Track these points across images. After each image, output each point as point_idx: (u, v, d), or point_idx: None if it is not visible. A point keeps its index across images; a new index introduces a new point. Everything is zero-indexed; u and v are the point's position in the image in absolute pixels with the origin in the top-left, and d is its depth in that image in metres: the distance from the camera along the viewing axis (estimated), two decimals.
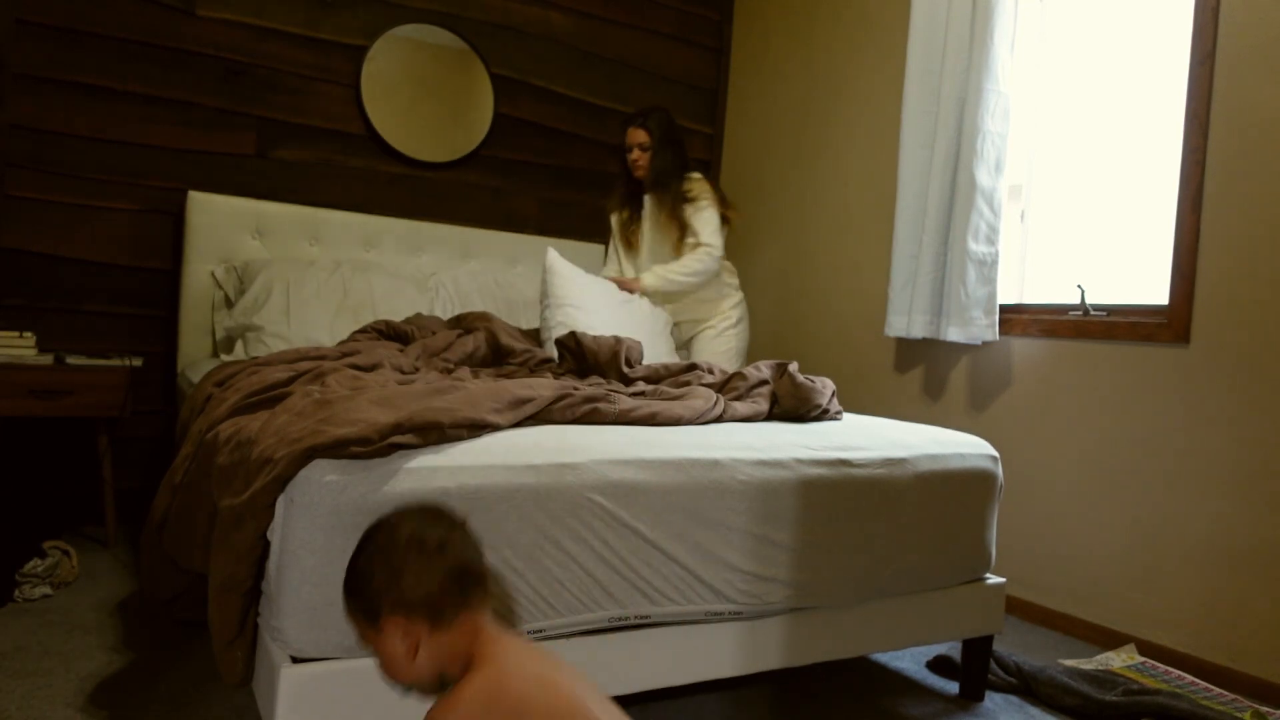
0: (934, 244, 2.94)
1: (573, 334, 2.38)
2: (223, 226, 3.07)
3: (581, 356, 2.34)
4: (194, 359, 2.99)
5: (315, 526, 1.27)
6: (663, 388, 2.05)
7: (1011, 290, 3.05)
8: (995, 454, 2.03)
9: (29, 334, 2.63)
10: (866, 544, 1.78)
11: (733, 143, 4.25)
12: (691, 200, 3.10)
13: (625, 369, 2.25)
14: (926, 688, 2.11)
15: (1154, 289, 2.57)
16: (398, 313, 2.99)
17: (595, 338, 2.34)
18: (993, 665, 2.16)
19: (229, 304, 3.01)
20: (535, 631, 1.43)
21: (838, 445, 1.80)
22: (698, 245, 3.07)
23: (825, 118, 3.70)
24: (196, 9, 3.11)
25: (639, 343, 2.39)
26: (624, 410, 1.73)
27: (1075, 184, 2.96)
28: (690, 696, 1.92)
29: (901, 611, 1.88)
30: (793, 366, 2.14)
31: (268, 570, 1.35)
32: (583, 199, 3.96)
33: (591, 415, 1.69)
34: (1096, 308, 2.68)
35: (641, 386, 2.07)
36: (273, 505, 1.32)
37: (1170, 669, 2.29)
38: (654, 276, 3.06)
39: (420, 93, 3.52)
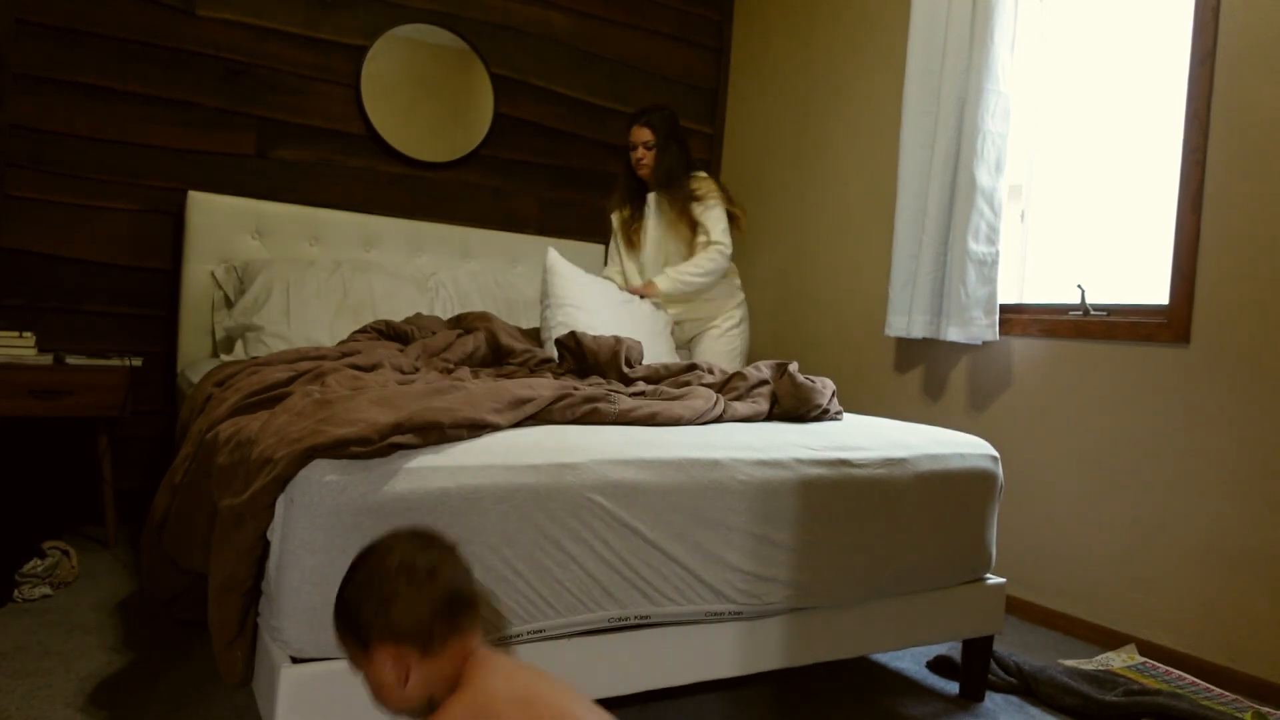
0: (934, 244, 2.94)
1: (573, 334, 2.38)
2: (223, 226, 3.07)
3: (581, 356, 2.34)
4: (194, 359, 2.99)
5: (315, 526, 1.27)
6: (663, 388, 2.05)
7: (1011, 290, 3.05)
8: (995, 454, 2.03)
9: (29, 334, 2.63)
10: (866, 544, 1.78)
11: (733, 143, 4.25)
12: (699, 198, 3.10)
13: (625, 369, 2.25)
14: (926, 688, 2.11)
15: (1154, 289, 2.57)
16: (398, 313, 2.99)
17: (595, 338, 2.34)
18: (993, 665, 2.16)
19: (229, 304, 3.01)
20: (535, 631, 1.43)
21: (838, 445, 1.80)
22: (709, 244, 3.07)
23: (825, 118, 3.70)
24: (196, 9, 3.11)
25: (639, 343, 2.39)
26: (624, 410, 1.73)
27: (1075, 184, 2.96)
28: (690, 696, 1.92)
29: (901, 611, 1.88)
30: (793, 366, 2.14)
31: (268, 570, 1.35)
32: (583, 199, 3.96)
33: (591, 415, 1.69)
34: (1097, 308, 2.68)
35: (641, 386, 2.07)
36: (273, 505, 1.32)
37: (1170, 669, 2.29)
38: (668, 280, 3.05)
39: (420, 93, 3.52)
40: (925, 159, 3.00)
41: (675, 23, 4.15)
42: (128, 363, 2.68)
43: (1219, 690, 2.17)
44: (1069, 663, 2.29)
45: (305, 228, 3.23)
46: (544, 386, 1.68)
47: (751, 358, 3.57)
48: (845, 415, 2.22)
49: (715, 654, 1.63)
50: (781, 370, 2.14)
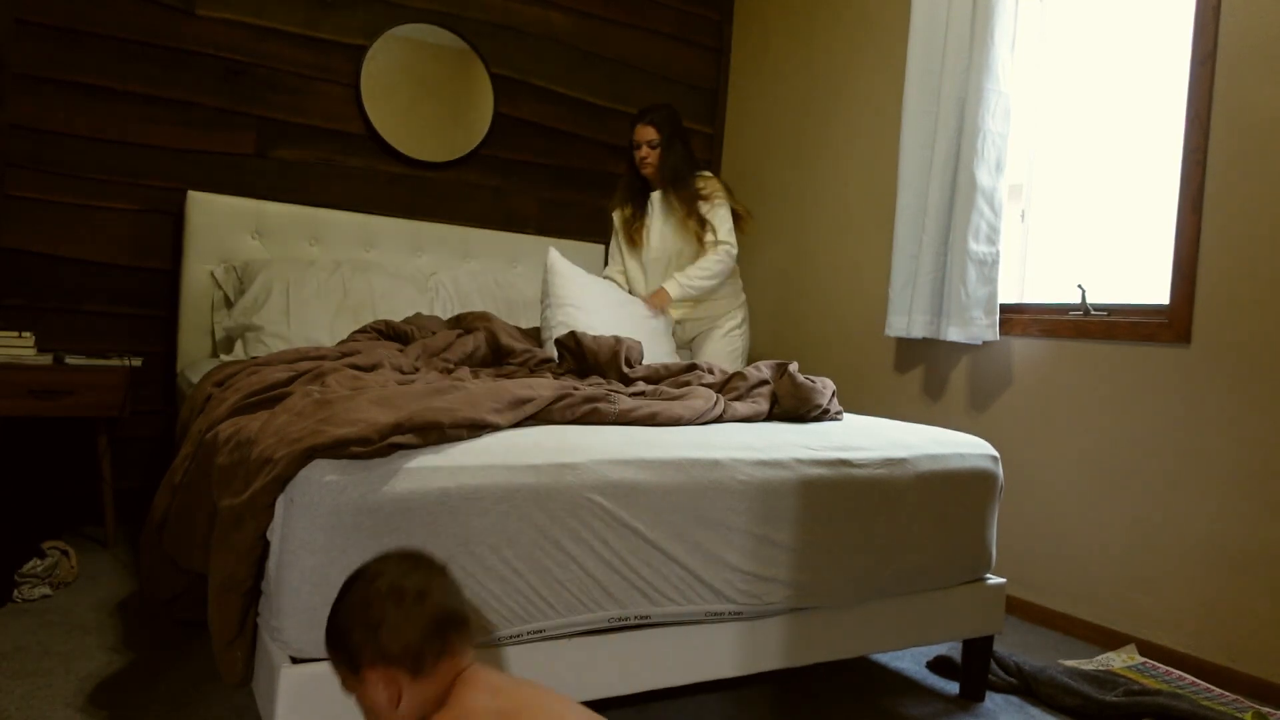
0: (934, 244, 2.94)
1: (572, 334, 2.37)
2: (222, 226, 3.07)
3: (581, 356, 2.34)
4: (194, 359, 2.99)
5: (315, 526, 1.27)
6: (663, 388, 2.05)
7: (1012, 290, 3.05)
8: (995, 454, 2.03)
9: (28, 334, 2.63)
10: (866, 544, 1.78)
11: (733, 143, 4.25)
12: (706, 197, 3.10)
13: (625, 369, 2.24)
14: (926, 688, 2.11)
15: (1154, 289, 2.57)
16: (398, 313, 2.99)
17: (595, 338, 2.34)
18: (993, 665, 2.16)
19: (229, 304, 3.01)
20: (535, 631, 1.43)
21: (838, 445, 1.80)
22: (717, 244, 3.07)
23: (825, 118, 3.70)
24: (196, 9, 3.11)
25: (639, 343, 2.39)
26: (624, 410, 1.73)
27: (1075, 184, 2.96)
28: (690, 696, 1.91)
29: (902, 611, 1.88)
30: (793, 366, 2.14)
31: (268, 570, 1.35)
32: (583, 199, 3.96)
33: (591, 415, 1.69)
34: (1097, 307, 2.68)
35: (641, 387, 2.07)
36: (272, 505, 1.32)
37: (1171, 669, 2.29)
38: (677, 286, 3.04)
39: (420, 92, 3.52)
40: (925, 159, 3.00)
41: (675, 23, 4.15)
42: (127, 363, 2.68)
43: (1219, 690, 2.17)
44: (1069, 663, 2.29)
45: (305, 228, 3.23)
46: (544, 386, 1.68)
47: (752, 358, 3.57)
48: (845, 415, 2.22)
49: (715, 654, 1.63)
50: (781, 370, 2.14)
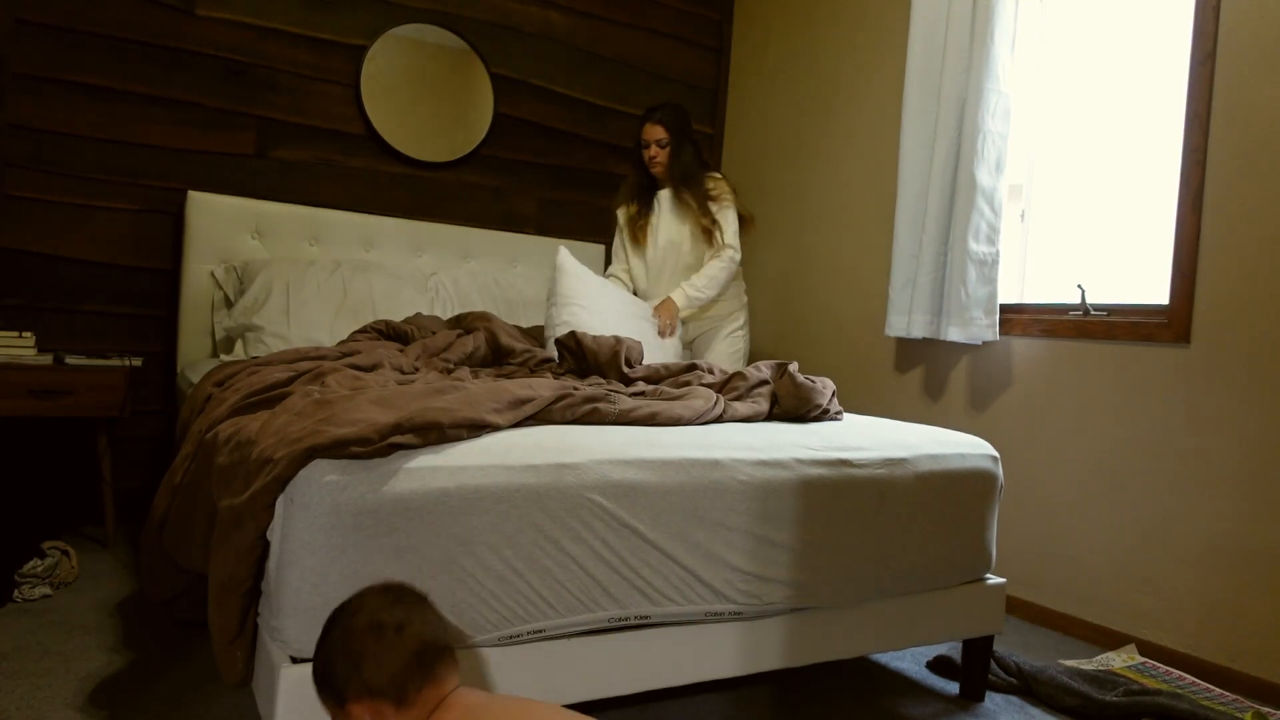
0: (934, 244, 2.94)
1: (573, 334, 2.37)
2: (222, 226, 3.07)
3: (581, 356, 2.34)
4: (194, 359, 2.99)
5: (315, 526, 1.27)
6: (663, 388, 2.05)
7: (1012, 290, 3.05)
8: (995, 454, 2.03)
9: (28, 334, 2.63)
10: (866, 544, 1.78)
11: (733, 143, 4.25)
12: (714, 198, 3.10)
13: (625, 369, 2.24)
14: (926, 688, 2.11)
15: (1154, 289, 2.57)
16: (398, 313, 2.99)
17: (595, 338, 2.34)
18: (993, 665, 2.16)
19: (229, 304, 3.01)
20: (535, 631, 1.43)
21: (838, 445, 1.80)
22: (723, 247, 3.07)
23: (825, 118, 3.70)
24: (196, 9, 3.11)
25: (639, 343, 2.38)
26: (624, 410, 1.73)
27: (1075, 184, 2.96)
28: (690, 696, 1.92)
29: (901, 612, 1.88)
30: (793, 366, 2.14)
31: (268, 570, 1.35)
32: (583, 199, 3.96)
33: (591, 415, 1.69)
34: (1097, 307, 2.68)
35: (641, 387, 2.07)
36: (272, 505, 1.32)
37: (1171, 669, 2.29)
38: (684, 297, 3.05)
39: (420, 93, 3.52)
40: (925, 159, 3.00)
41: (675, 23, 4.15)
42: (127, 363, 2.68)
43: (1219, 690, 2.17)
44: (1069, 663, 2.29)
45: (305, 228, 3.23)
46: (544, 386, 1.68)
47: (752, 358, 3.57)
48: (845, 415, 2.22)
49: (715, 654, 1.63)
50: (781, 370, 2.14)
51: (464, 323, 2.71)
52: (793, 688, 2.02)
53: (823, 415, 2.08)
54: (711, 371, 2.24)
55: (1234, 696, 2.13)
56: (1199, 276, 2.38)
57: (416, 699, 1.12)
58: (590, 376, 2.27)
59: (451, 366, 2.28)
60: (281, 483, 1.30)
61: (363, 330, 2.62)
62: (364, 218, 3.35)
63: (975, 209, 2.81)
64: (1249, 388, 2.26)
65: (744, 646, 1.66)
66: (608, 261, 3.61)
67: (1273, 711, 2.02)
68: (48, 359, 2.59)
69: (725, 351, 3.21)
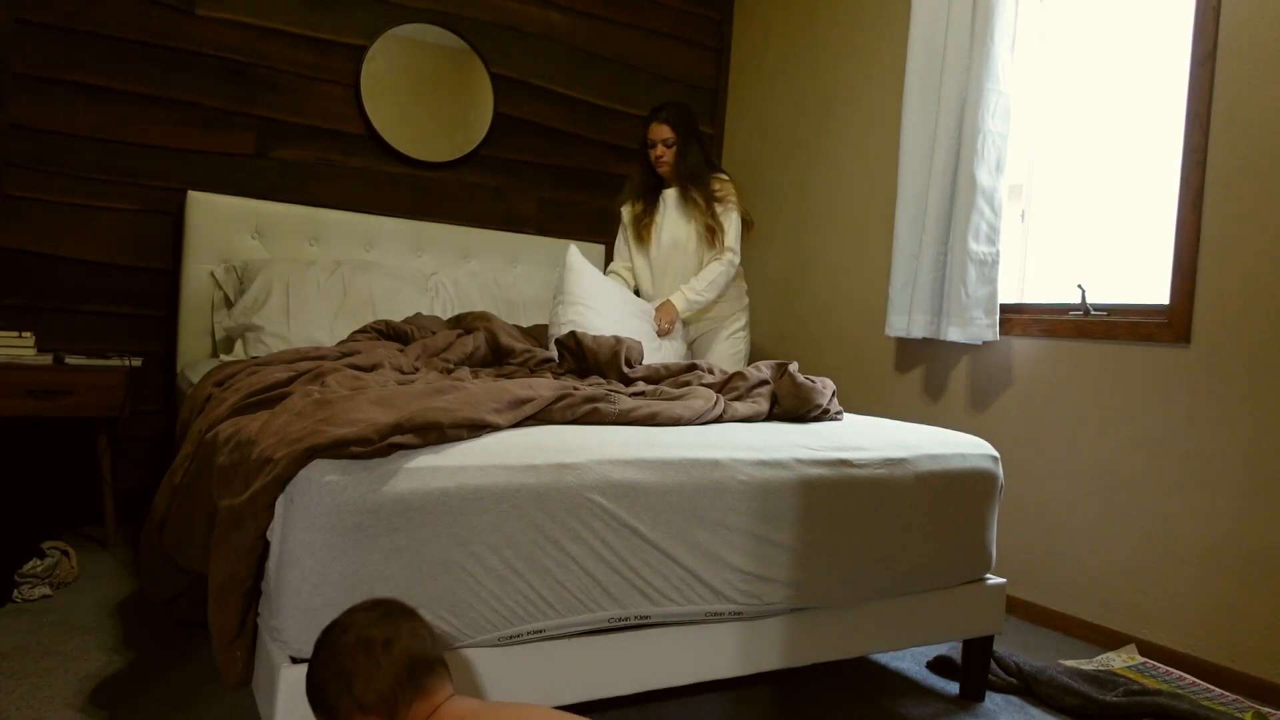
0: (934, 244, 2.94)
1: (573, 334, 2.37)
2: (222, 226, 3.07)
3: (581, 356, 2.33)
4: (194, 359, 2.99)
5: (315, 526, 1.27)
6: (663, 388, 2.05)
7: (1012, 290, 3.05)
8: (996, 454, 2.03)
9: (28, 334, 2.63)
10: (866, 544, 1.78)
11: (733, 143, 4.25)
12: (720, 199, 3.11)
13: (625, 369, 2.24)
14: (926, 688, 2.11)
15: (1155, 289, 2.57)
16: (398, 313, 2.99)
17: (595, 338, 2.34)
18: (993, 665, 2.16)
19: (229, 304, 3.01)
20: (535, 631, 1.43)
21: (838, 445, 1.79)
22: (723, 249, 3.07)
23: (825, 118, 3.70)
24: (196, 9, 3.11)
25: (639, 343, 2.39)
26: (624, 410, 1.73)
27: (1075, 184, 2.96)
28: (690, 696, 1.91)
29: (901, 612, 1.88)
30: (793, 366, 2.14)
31: (267, 570, 1.35)
32: (583, 199, 3.96)
33: (591, 415, 1.69)
34: (1097, 307, 2.68)
35: (641, 387, 2.07)
36: (272, 505, 1.32)
37: (1171, 669, 2.29)
38: (684, 300, 3.05)
39: (420, 93, 3.52)
40: (925, 159, 3.00)
41: (675, 23, 4.15)
42: (127, 363, 2.68)
43: (1219, 690, 2.17)
44: (1069, 663, 2.29)
45: (305, 228, 3.23)
46: (544, 386, 1.68)
47: (752, 358, 3.57)
48: (845, 415, 2.22)
49: (715, 654, 1.63)
50: (781, 370, 2.14)
51: (464, 323, 2.71)
52: (793, 688, 2.02)
53: (823, 415, 2.08)
54: (711, 371, 2.24)
55: (1234, 696, 2.13)
56: (1199, 276, 2.38)
57: (408, 713, 1.13)
58: (590, 376, 2.27)
59: (451, 366, 2.28)
60: (281, 483, 1.30)
61: (363, 330, 2.62)
62: (364, 218, 3.35)
63: (975, 209, 2.81)
64: (1249, 388, 2.26)
65: (744, 646, 1.66)
66: (608, 261, 3.61)
67: (1273, 711, 2.02)
68: (48, 359, 2.59)
69: (726, 352, 3.21)
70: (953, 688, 2.11)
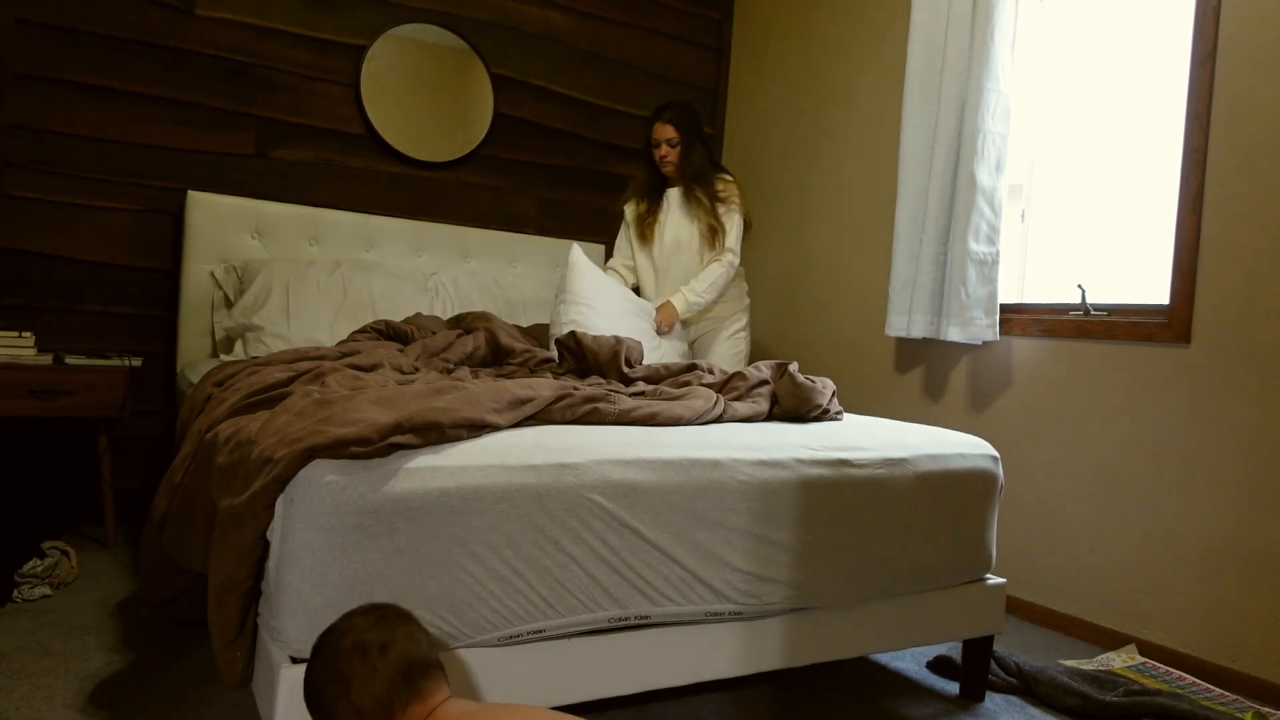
0: (934, 244, 2.94)
1: (573, 334, 2.37)
2: (222, 226, 3.07)
3: (581, 356, 2.33)
4: (194, 359, 2.99)
5: (315, 527, 1.27)
6: (663, 388, 2.05)
7: (1012, 290, 3.05)
8: (996, 454, 2.03)
9: (28, 334, 2.63)
10: (866, 544, 1.78)
11: (733, 143, 4.25)
12: (723, 200, 3.11)
13: (625, 369, 2.24)
14: (926, 688, 2.11)
15: (1155, 289, 2.57)
16: (398, 313, 2.99)
17: (595, 338, 2.34)
18: (993, 666, 2.16)
19: (229, 304, 3.01)
20: (535, 631, 1.43)
21: (838, 445, 1.79)
22: (723, 250, 3.07)
23: (825, 118, 3.70)
24: (196, 8, 3.11)
25: (639, 343, 2.39)
26: (624, 410, 1.73)
27: (1075, 184, 2.96)
28: (690, 696, 1.91)
29: (901, 612, 1.88)
30: (793, 366, 2.14)
31: (267, 570, 1.35)
32: (583, 199, 3.96)
33: (592, 415, 1.69)
34: (1097, 307, 2.68)
35: (641, 387, 2.07)
36: (272, 505, 1.31)
37: (1171, 669, 2.29)
38: (684, 301, 3.05)
39: (420, 92, 3.52)
40: (925, 159, 3.00)
41: (675, 23, 4.15)
42: (127, 363, 2.68)
43: (1219, 690, 2.17)
44: (1069, 663, 2.29)
45: (305, 228, 3.23)
46: (544, 386, 1.68)
47: (752, 358, 3.57)
48: (845, 415, 2.22)
49: (715, 654, 1.63)
50: (781, 370, 2.14)
51: (464, 323, 2.71)
52: (793, 688, 2.02)
53: (823, 415, 2.08)
54: (711, 371, 2.24)
55: (1234, 696, 2.13)
56: (1199, 276, 2.38)
57: (404, 717, 1.14)
58: (590, 376, 2.27)
59: (451, 366, 2.28)
60: (281, 483, 1.30)
61: (363, 330, 2.62)
62: (364, 218, 3.35)
63: (975, 209, 2.81)
64: (1249, 388, 2.26)
65: (744, 646, 1.66)
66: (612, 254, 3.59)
67: (1273, 712, 2.02)
68: (47, 359, 2.59)
69: (727, 352, 3.21)
70: (953, 688, 2.11)
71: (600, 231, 3.92)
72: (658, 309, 3.04)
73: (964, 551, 1.96)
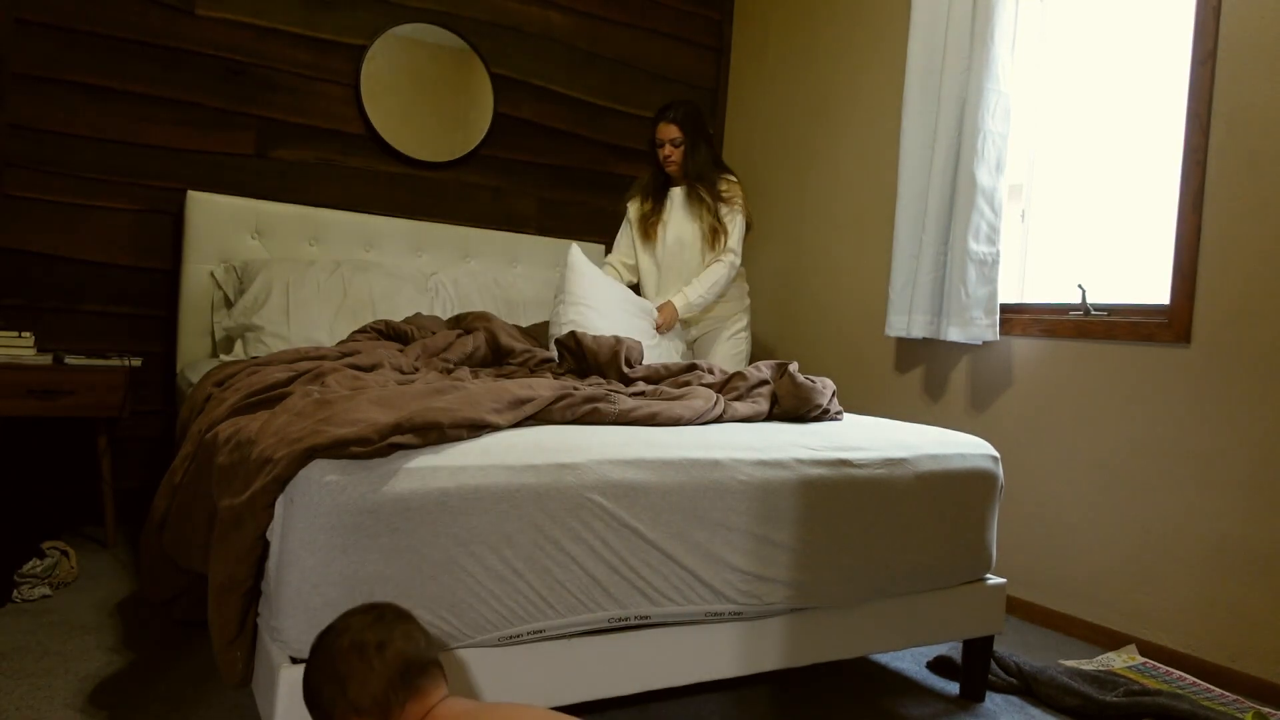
0: (934, 244, 2.94)
1: (573, 334, 2.37)
2: (222, 226, 3.07)
3: (581, 356, 2.33)
4: (193, 359, 2.98)
5: (315, 526, 1.27)
6: (663, 388, 2.05)
7: (1012, 290, 3.05)
8: (996, 454, 2.03)
9: (28, 334, 2.63)
10: (867, 544, 1.78)
11: (733, 143, 4.25)
12: (726, 200, 3.11)
13: (625, 369, 2.24)
14: (927, 688, 2.11)
15: (1155, 289, 2.57)
16: (397, 313, 2.99)
17: (595, 338, 2.34)
18: (993, 666, 2.16)
19: (228, 304, 3.01)
20: (535, 631, 1.43)
21: (838, 445, 1.79)
22: (724, 251, 3.07)
23: (825, 117, 3.70)
24: (196, 8, 3.11)
25: (639, 343, 2.39)
26: (624, 410, 1.73)
27: (1075, 184, 2.96)
28: (690, 696, 1.91)
29: (902, 612, 1.88)
30: (793, 366, 2.14)
31: (267, 570, 1.35)
32: (583, 199, 3.96)
33: (592, 415, 1.69)
34: (1097, 307, 2.68)
35: (641, 387, 2.07)
36: (272, 505, 1.31)
37: (1171, 669, 2.29)
38: (685, 301, 3.06)
39: (420, 92, 3.52)
40: (925, 159, 3.00)
41: (675, 23, 4.15)
42: (127, 363, 2.68)
43: (1219, 690, 2.17)
44: (1069, 663, 2.29)
45: (305, 228, 3.23)
46: (544, 386, 1.68)
47: (753, 358, 3.57)
48: (845, 415, 2.22)
49: (715, 654, 1.63)
50: (781, 370, 2.14)
51: (464, 323, 2.71)
52: (793, 688, 2.02)
53: (823, 415, 2.08)
54: (711, 371, 2.24)
55: (1234, 697, 2.13)
56: (1199, 276, 2.38)
57: (401, 715, 1.14)
58: (590, 376, 2.27)
59: (451, 366, 2.28)
60: (281, 483, 1.30)
61: (362, 330, 2.62)
62: (364, 218, 3.35)
63: (975, 209, 2.81)
64: (1249, 388, 2.26)
65: (744, 646, 1.66)
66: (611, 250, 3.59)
67: (1273, 712, 2.02)
68: (47, 359, 2.58)
69: (728, 353, 3.21)
70: (953, 688, 2.11)
71: (600, 231, 3.92)
72: (658, 308, 3.04)
73: (964, 551, 1.96)
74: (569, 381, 2.00)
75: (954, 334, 2.86)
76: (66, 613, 2.14)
